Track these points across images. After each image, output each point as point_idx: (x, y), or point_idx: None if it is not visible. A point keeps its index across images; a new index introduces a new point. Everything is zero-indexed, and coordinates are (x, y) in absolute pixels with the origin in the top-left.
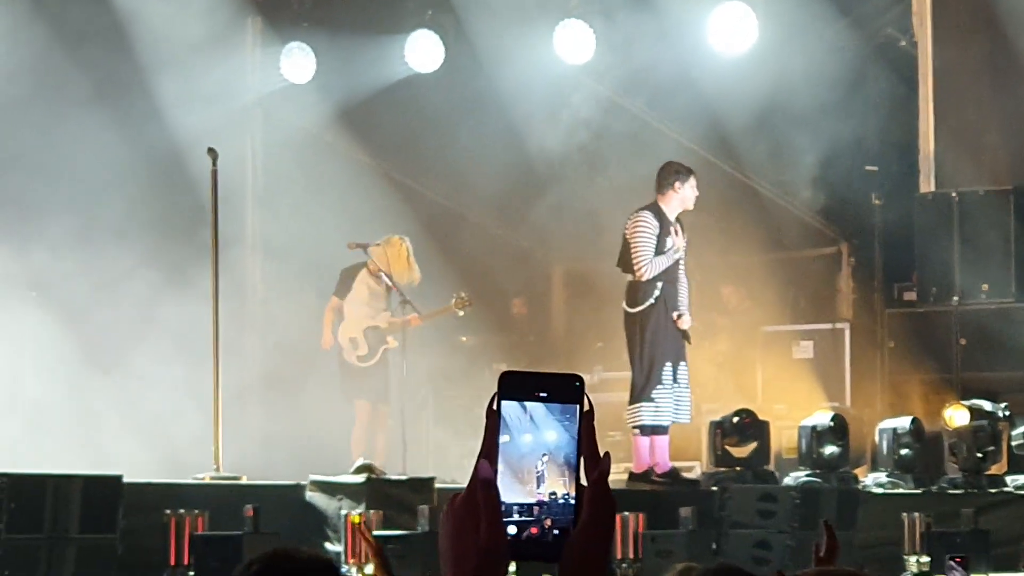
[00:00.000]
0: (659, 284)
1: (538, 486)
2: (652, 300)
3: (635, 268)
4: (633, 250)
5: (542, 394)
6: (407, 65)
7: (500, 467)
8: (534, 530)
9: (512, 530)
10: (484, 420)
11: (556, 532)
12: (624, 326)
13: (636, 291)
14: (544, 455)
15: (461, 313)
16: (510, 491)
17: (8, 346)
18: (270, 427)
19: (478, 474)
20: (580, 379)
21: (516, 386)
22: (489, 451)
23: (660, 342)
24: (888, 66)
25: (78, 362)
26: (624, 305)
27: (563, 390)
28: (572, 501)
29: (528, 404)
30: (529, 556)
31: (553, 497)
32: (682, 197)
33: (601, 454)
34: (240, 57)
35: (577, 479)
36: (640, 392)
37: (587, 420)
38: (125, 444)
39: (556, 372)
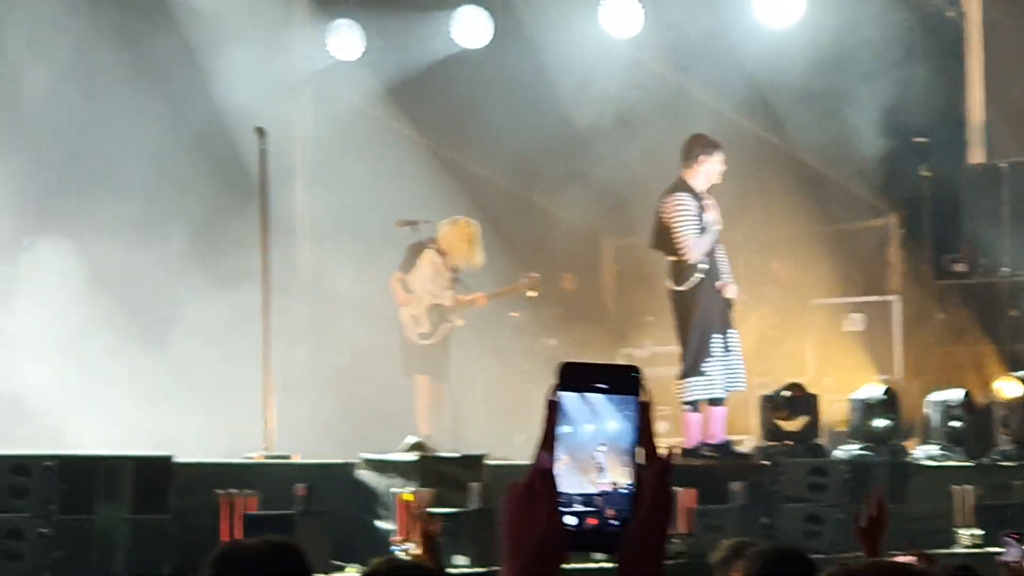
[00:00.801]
0: (700, 264)
1: (600, 476)
2: (698, 276)
3: (681, 253)
4: (677, 234)
5: (601, 385)
6: (454, 41)
7: (562, 457)
8: (593, 520)
9: (571, 520)
10: (534, 395)
11: (615, 523)
12: (671, 304)
13: (681, 269)
14: (605, 445)
15: (530, 294)
16: (572, 481)
17: (61, 326)
18: (321, 406)
19: (537, 464)
20: (638, 370)
21: (574, 377)
22: (547, 441)
23: (708, 316)
24: (936, 36)
25: (129, 343)
26: (670, 284)
27: (621, 381)
28: (631, 491)
29: (589, 395)
30: (588, 546)
31: (615, 487)
32: (707, 171)
33: (654, 445)
34: (288, 35)
35: (635, 470)
36: (690, 367)
37: (645, 411)
38: (177, 424)
39: (614, 363)
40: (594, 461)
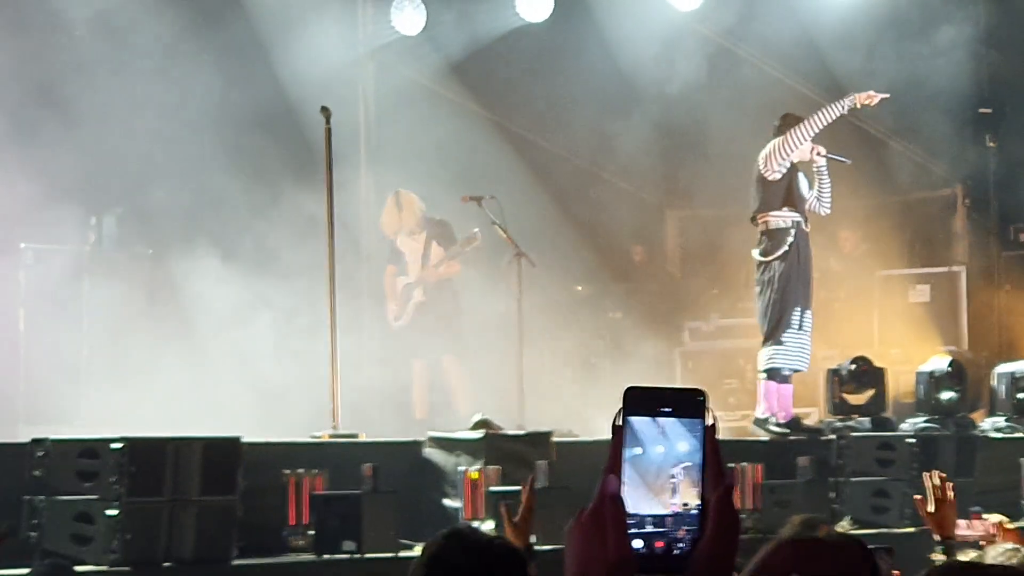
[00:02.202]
0: (792, 231)
1: (672, 496)
2: (786, 247)
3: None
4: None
5: (665, 409)
6: (517, 15)
7: (632, 479)
8: (660, 543)
9: (638, 544)
10: (601, 369)
11: (682, 546)
12: (757, 273)
13: (770, 239)
14: (677, 466)
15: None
16: (644, 502)
17: (125, 309)
18: (387, 385)
19: (606, 489)
20: (703, 393)
21: (640, 401)
22: (614, 466)
23: (793, 288)
24: (1002, 7)
25: (196, 323)
26: (757, 255)
27: (686, 405)
28: (700, 511)
29: (660, 418)
30: (656, 570)
31: (686, 507)
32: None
33: (722, 469)
34: (352, 10)
35: (702, 493)
36: (770, 335)
37: (710, 434)
38: (243, 404)
39: (678, 387)
40: (668, 482)
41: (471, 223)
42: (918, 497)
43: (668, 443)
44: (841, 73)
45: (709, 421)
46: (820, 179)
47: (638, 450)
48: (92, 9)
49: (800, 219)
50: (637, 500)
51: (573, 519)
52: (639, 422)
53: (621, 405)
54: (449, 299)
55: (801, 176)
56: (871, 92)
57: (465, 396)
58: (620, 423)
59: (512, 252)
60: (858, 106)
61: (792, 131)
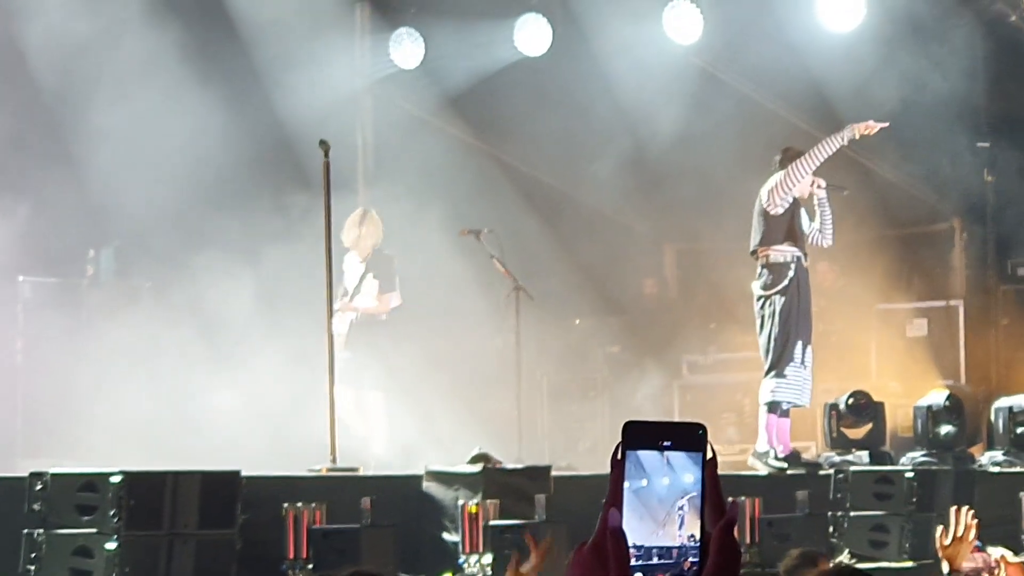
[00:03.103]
0: (792, 266)
1: (679, 528)
2: (787, 282)
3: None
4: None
5: (666, 443)
6: (516, 49)
7: (637, 511)
8: (661, 575)
9: None
10: (598, 402)
11: None
12: (756, 307)
13: (771, 273)
14: (684, 497)
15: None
16: (649, 534)
17: (123, 342)
18: (387, 415)
19: (607, 523)
20: (703, 427)
21: (640, 435)
22: (615, 500)
23: (794, 322)
24: (998, 42)
25: (194, 356)
26: (758, 288)
27: (686, 438)
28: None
29: (665, 452)
30: None
31: (692, 539)
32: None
33: (723, 502)
34: (349, 43)
35: (702, 526)
36: (773, 368)
37: (711, 468)
38: (243, 438)
39: (679, 421)
40: (675, 514)
41: (470, 256)
42: (941, 527)
43: (674, 475)
44: (839, 107)
45: (709, 455)
46: (821, 211)
47: (643, 482)
48: (91, 44)
49: (800, 254)
50: (643, 533)
51: (574, 553)
52: (644, 454)
53: (620, 439)
54: (379, 334)
55: (803, 211)
56: (870, 122)
57: (384, 435)
58: (620, 457)
59: (510, 286)
60: (857, 136)
61: (794, 165)
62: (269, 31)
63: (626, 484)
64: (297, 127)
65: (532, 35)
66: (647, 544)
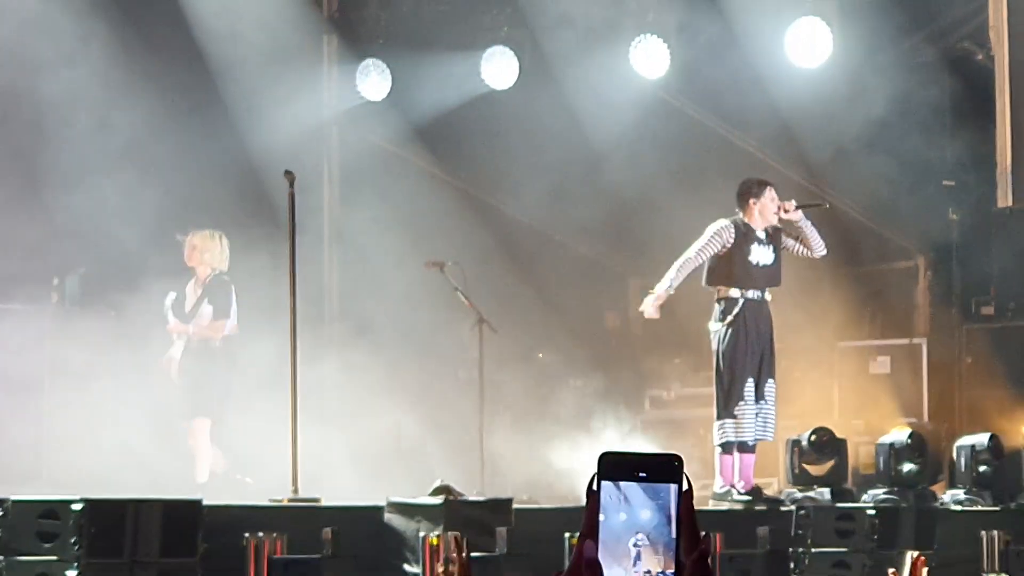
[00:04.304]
0: (740, 301)
1: (634, 564)
2: (731, 318)
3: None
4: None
5: (641, 474)
6: (483, 81)
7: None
8: None
9: None
10: (560, 437)
11: None
12: (711, 344)
13: (719, 307)
14: (639, 534)
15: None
16: (607, 569)
17: (87, 368)
18: (348, 447)
19: (583, 555)
20: (679, 459)
21: (615, 466)
22: (591, 531)
23: (741, 358)
24: (965, 80)
25: (158, 383)
26: (710, 323)
27: (662, 470)
28: None
29: (622, 483)
30: None
31: (648, 575)
32: (761, 210)
33: (697, 533)
34: (317, 74)
35: (676, 558)
36: (723, 409)
37: (686, 499)
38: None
39: (654, 452)
40: (630, 550)
41: (434, 288)
42: (892, 571)
43: (630, 510)
44: (805, 143)
45: (685, 486)
46: (802, 229)
47: (601, 517)
48: (59, 71)
49: (751, 292)
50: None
51: None
52: (604, 490)
53: (596, 470)
54: (207, 360)
55: (756, 245)
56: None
57: (208, 463)
58: (596, 488)
59: (474, 318)
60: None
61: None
62: (237, 60)
63: (600, 517)
64: (263, 157)
65: (499, 68)
66: None
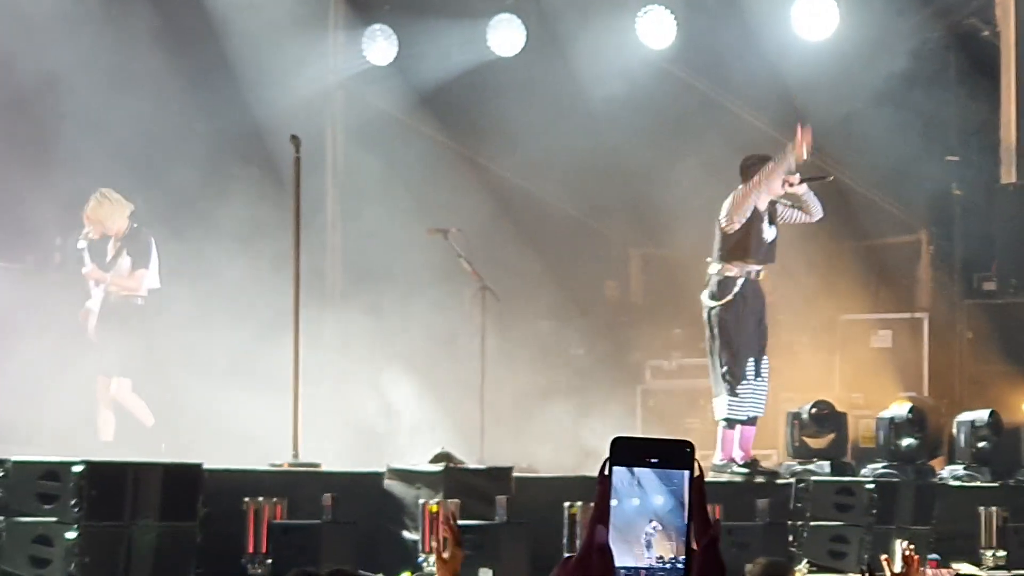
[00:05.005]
0: (740, 280)
1: (647, 550)
2: (730, 296)
3: (727, 221)
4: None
5: (652, 460)
6: (489, 48)
7: (609, 531)
8: None
9: None
10: (561, 405)
11: None
12: (705, 320)
13: (718, 285)
14: (652, 520)
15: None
16: (618, 554)
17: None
18: (350, 411)
19: (594, 539)
20: (691, 445)
21: (626, 451)
22: (602, 516)
23: (742, 337)
24: (970, 56)
25: (160, 347)
26: (706, 299)
27: (673, 456)
28: (681, 565)
29: (636, 469)
30: None
31: (660, 561)
32: (767, 185)
33: (708, 518)
34: (323, 39)
35: (687, 543)
36: (726, 387)
37: (697, 485)
38: (205, 430)
39: (666, 438)
40: (642, 535)
41: (437, 255)
42: (885, 557)
43: (644, 496)
44: (810, 117)
45: (696, 472)
46: (806, 200)
47: (614, 502)
48: (65, 37)
49: (753, 269)
50: (615, 552)
51: (559, 567)
52: (618, 475)
53: (608, 455)
54: (128, 318)
55: (764, 225)
56: (800, 140)
57: (112, 425)
58: (608, 473)
59: (477, 286)
60: (797, 160)
61: (746, 188)
62: (242, 25)
63: (613, 502)
64: (269, 121)
65: (506, 36)
66: (616, 564)
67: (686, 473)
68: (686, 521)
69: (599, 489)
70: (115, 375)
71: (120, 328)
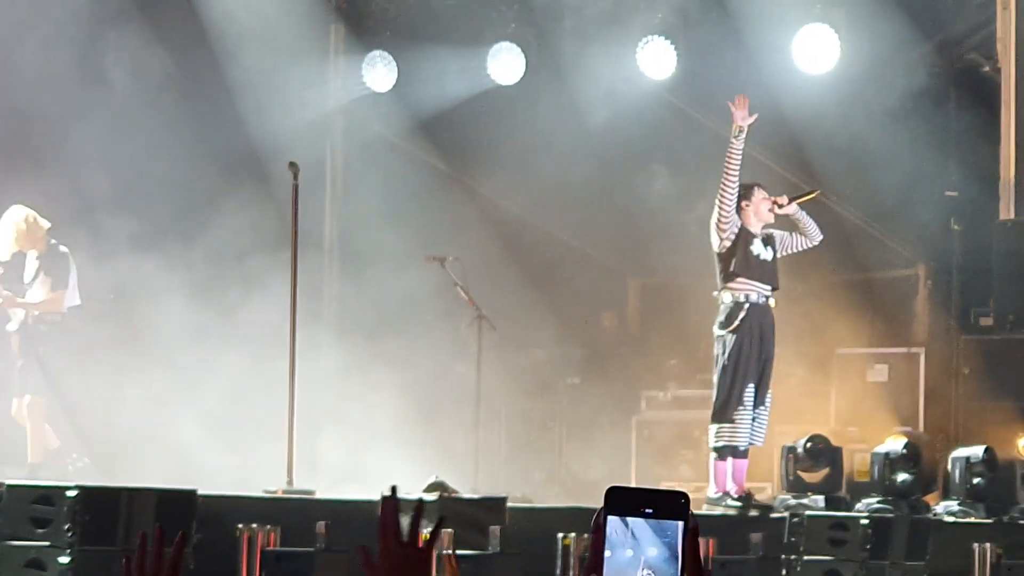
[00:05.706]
0: (746, 306)
1: None
2: (737, 322)
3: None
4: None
5: (647, 510)
6: (489, 77)
7: None
8: None
9: None
10: (555, 433)
11: None
12: (714, 348)
13: (725, 313)
14: (645, 570)
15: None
16: None
17: (86, 356)
18: (345, 439)
19: None
20: (686, 496)
21: (622, 501)
22: (596, 567)
23: (744, 364)
24: (971, 91)
25: (155, 372)
26: (715, 328)
27: (668, 506)
28: None
29: (630, 519)
30: None
31: None
32: (755, 211)
33: (702, 570)
34: (323, 64)
35: None
36: (720, 413)
37: (692, 536)
38: (202, 456)
39: (661, 489)
40: None
41: (434, 282)
42: None
43: (637, 546)
44: (809, 149)
45: (691, 524)
46: (799, 220)
47: (607, 552)
48: (63, 54)
49: (756, 289)
50: None
51: None
52: (610, 525)
53: (603, 504)
54: (44, 336)
55: (757, 242)
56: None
57: (41, 443)
58: (602, 522)
59: (473, 314)
60: (743, 126)
61: (718, 194)
62: (243, 49)
63: (606, 552)
64: (269, 145)
65: (505, 64)
66: None
67: (680, 524)
68: (679, 573)
69: (593, 539)
70: (28, 394)
71: (41, 347)
